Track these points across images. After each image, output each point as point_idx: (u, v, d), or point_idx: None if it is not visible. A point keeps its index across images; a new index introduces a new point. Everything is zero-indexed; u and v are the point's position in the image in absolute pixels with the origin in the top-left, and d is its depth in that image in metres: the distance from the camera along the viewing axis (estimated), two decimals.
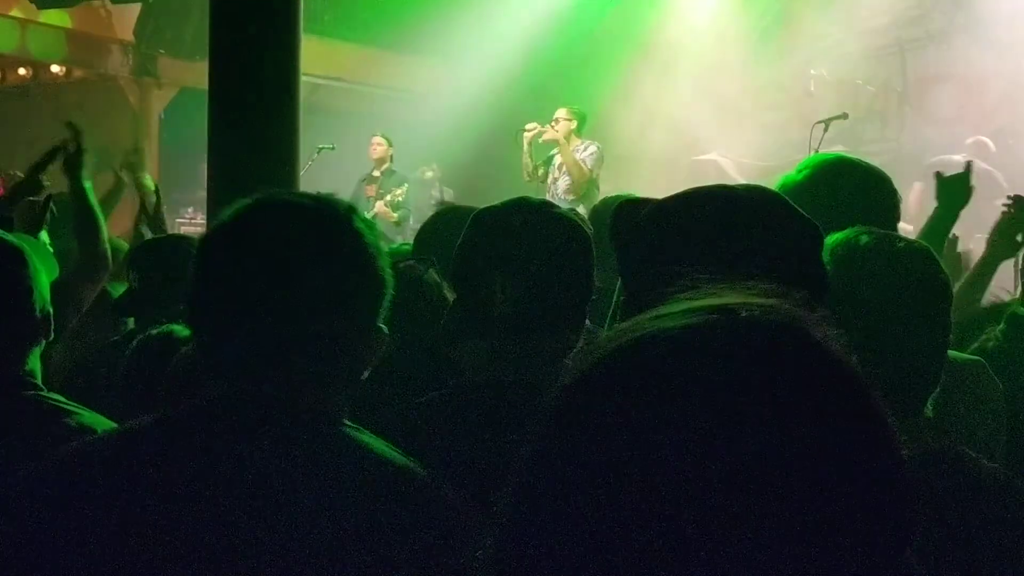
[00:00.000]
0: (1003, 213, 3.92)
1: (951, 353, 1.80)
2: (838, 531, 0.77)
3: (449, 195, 10.88)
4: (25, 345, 2.16)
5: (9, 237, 2.22)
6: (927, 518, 0.86)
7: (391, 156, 9.94)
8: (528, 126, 8.73)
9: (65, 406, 2.14)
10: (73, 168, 4.03)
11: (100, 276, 4.02)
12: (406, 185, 9.66)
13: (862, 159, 2.63)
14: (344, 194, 7.07)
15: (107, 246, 4.06)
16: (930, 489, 1.46)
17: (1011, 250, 3.87)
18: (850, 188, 2.43)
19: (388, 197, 9.48)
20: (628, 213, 1.56)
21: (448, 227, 2.81)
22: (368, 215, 7.38)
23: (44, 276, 2.22)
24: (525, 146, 8.72)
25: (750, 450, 0.76)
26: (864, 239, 1.72)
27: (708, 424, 0.76)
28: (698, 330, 0.82)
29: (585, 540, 0.78)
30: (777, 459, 0.76)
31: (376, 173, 9.87)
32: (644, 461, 0.76)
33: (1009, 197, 3.97)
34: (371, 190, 9.69)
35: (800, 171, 2.49)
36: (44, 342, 2.20)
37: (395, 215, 9.52)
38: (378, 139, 9.94)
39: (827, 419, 0.79)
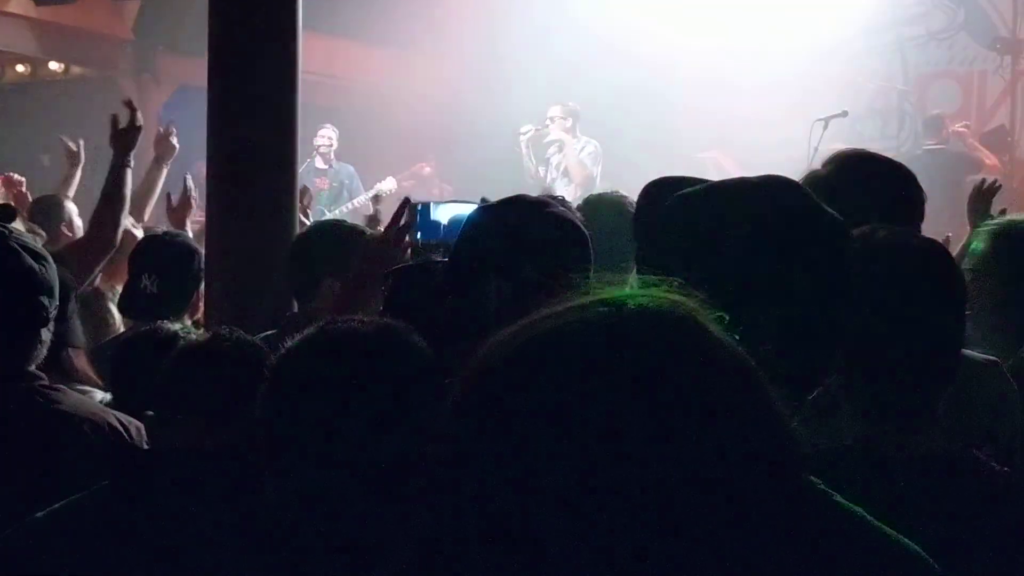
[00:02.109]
0: (973, 190, 4.01)
1: (966, 353, 1.79)
2: (711, 507, 0.77)
3: (448, 191, 10.87)
4: (31, 336, 2.17)
5: (22, 233, 2.23)
6: (933, 521, 0.84)
7: (335, 149, 9.63)
8: (524, 129, 8.66)
9: (60, 392, 2.19)
10: (125, 145, 4.11)
11: (99, 260, 3.99)
12: (357, 186, 9.42)
13: (883, 154, 2.63)
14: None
15: (119, 234, 4.09)
16: (936, 492, 1.44)
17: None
18: (876, 184, 2.41)
19: (364, 197, 9.28)
20: (654, 197, 1.55)
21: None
22: (332, 211, 7.25)
23: (53, 268, 2.23)
24: (524, 149, 8.64)
25: (636, 434, 0.77)
26: (880, 234, 1.71)
27: (598, 407, 0.78)
28: (587, 322, 0.84)
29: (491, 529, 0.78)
30: (662, 440, 0.77)
31: (323, 165, 9.50)
32: (534, 451, 0.78)
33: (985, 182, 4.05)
34: (323, 183, 9.43)
35: (825, 166, 2.49)
36: (50, 333, 2.21)
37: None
38: (329, 131, 9.57)
39: (708, 400, 0.80)
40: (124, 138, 4.17)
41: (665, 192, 1.56)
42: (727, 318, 0.87)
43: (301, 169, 5.00)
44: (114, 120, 4.26)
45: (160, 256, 3.69)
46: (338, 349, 1.63)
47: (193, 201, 5.05)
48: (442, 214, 2.70)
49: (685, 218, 1.42)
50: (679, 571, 0.76)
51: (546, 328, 0.85)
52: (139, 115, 4.21)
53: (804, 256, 1.33)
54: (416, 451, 0.88)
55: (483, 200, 2.62)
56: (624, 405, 0.78)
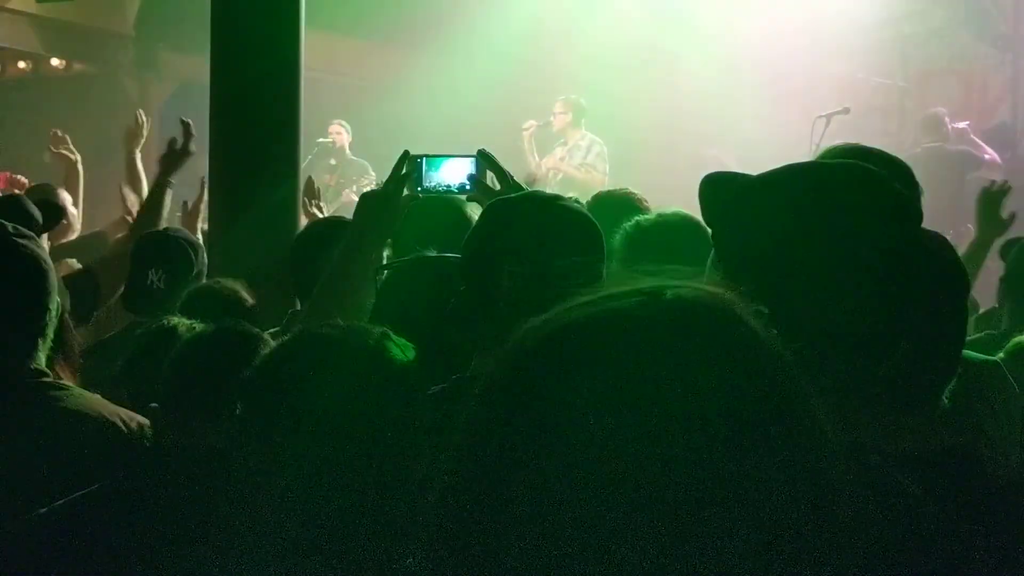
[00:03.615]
0: (981, 192, 3.96)
1: (968, 354, 1.78)
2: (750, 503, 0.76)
3: None
4: (37, 334, 2.18)
5: (25, 234, 2.23)
6: (935, 518, 0.84)
7: (349, 144, 9.68)
8: (526, 124, 8.57)
9: (65, 391, 2.20)
10: (171, 165, 4.19)
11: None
12: (373, 174, 9.43)
13: (883, 150, 2.62)
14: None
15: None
16: (939, 488, 1.44)
17: (1000, 228, 3.87)
18: None
19: (355, 187, 9.29)
20: (712, 193, 1.55)
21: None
22: (332, 205, 7.21)
23: (53, 272, 2.24)
24: (527, 145, 8.53)
25: (670, 425, 0.76)
26: None
27: (631, 398, 0.77)
28: (622, 310, 0.83)
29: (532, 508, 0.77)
30: (698, 431, 0.76)
31: (334, 161, 9.56)
32: (567, 438, 0.77)
33: (993, 182, 4.01)
34: (331, 179, 9.44)
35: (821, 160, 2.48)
36: (53, 334, 2.22)
37: None
38: (336, 127, 9.64)
39: (745, 391, 0.79)
40: (170, 159, 4.23)
41: (722, 185, 1.55)
42: (766, 312, 0.86)
43: (304, 165, 5.00)
44: (171, 142, 4.27)
45: (166, 251, 3.69)
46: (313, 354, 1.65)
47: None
48: (441, 166, 2.73)
49: (763, 208, 1.42)
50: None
51: (581, 315, 0.84)
52: (192, 140, 4.25)
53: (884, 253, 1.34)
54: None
55: (480, 151, 2.66)
56: (659, 394, 0.77)
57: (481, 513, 0.80)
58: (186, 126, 4.27)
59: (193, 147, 4.26)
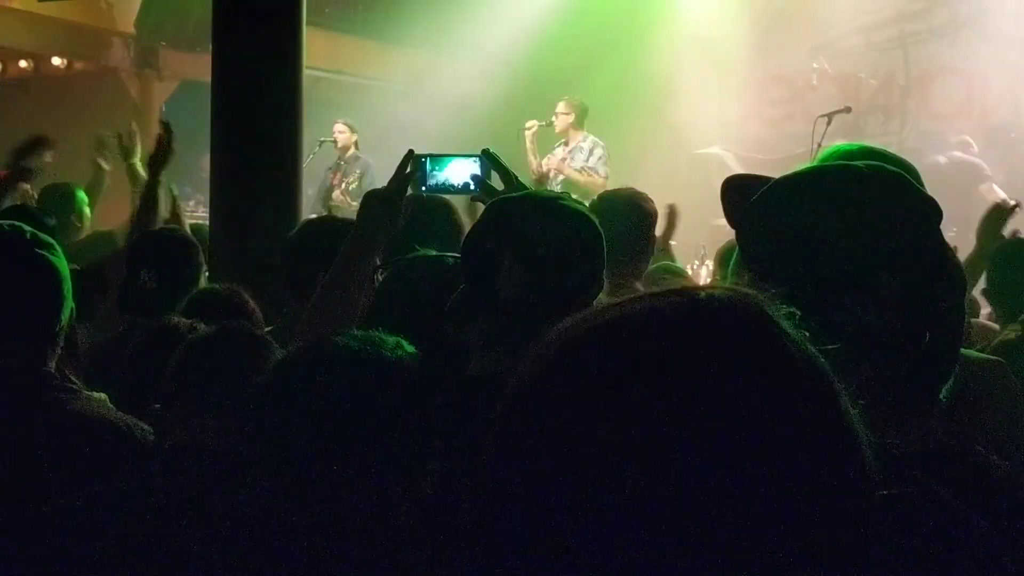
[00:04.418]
0: (991, 207, 3.97)
1: (970, 353, 1.78)
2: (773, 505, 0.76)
3: None
4: (48, 342, 2.19)
5: (43, 242, 2.23)
6: (936, 518, 0.84)
7: (355, 142, 9.70)
8: (528, 124, 8.54)
9: (75, 393, 2.20)
10: (157, 165, 4.25)
11: None
12: (359, 171, 9.44)
13: (887, 149, 2.62)
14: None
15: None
16: (938, 487, 1.44)
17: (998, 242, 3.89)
18: None
19: (343, 185, 9.31)
20: (738, 196, 1.55)
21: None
22: (338, 207, 7.21)
23: (69, 280, 2.24)
24: (528, 144, 8.49)
25: (701, 424, 0.76)
26: None
27: (671, 395, 0.77)
28: (659, 311, 0.83)
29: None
30: (731, 432, 0.76)
31: (340, 161, 9.58)
32: (600, 439, 0.77)
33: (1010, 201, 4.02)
34: (335, 178, 9.49)
35: (824, 160, 2.47)
36: (64, 334, 2.22)
37: (354, 204, 9.29)
38: (340, 126, 9.60)
39: (778, 391, 0.79)
40: (155, 160, 4.30)
41: (747, 186, 1.54)
42: (798, 314, 0.86)
43: (306, 164, 5.00)
44: (157, 140, 4.29)
45: (158, 251, 3.66)
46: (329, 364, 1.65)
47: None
48: (446, 166, 2.73)
49: (792, 210, 1.42)
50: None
51: (616, 315, 0.84)
52: (174, 138, 4.32)
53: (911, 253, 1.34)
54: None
55: (484, 151, 2.66)
56: (694, 395, 0.77)
57: (541, 516, 0.79)
58: (165, 125, 4.32)
59: (174, 143, 4.31)
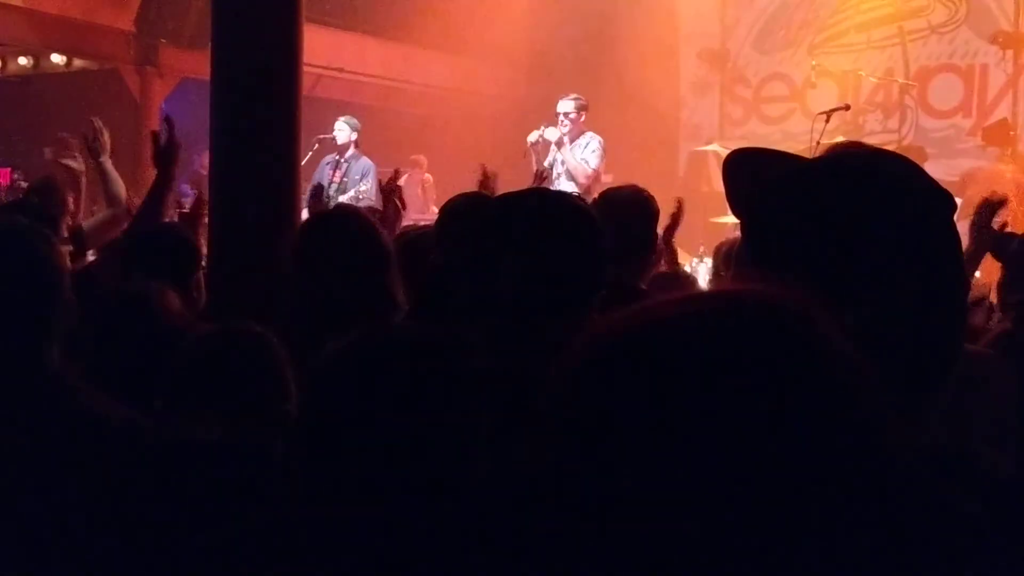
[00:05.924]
0: (982, 201, 3.99)
1: (971, 348, 1.77)
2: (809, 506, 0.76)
3: (430, 184, 11.30)
4: (51, 333, 2.19)
5: (41, 235, 2.24)
6: (932, 518, 0.84)
7: (355, 141, 9.72)
8: (530, 137, 8.51)
9: (77, 388, 2.19)
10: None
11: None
12: (360, 172, 9.46)
13: (881, 148, 2.62)
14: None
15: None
16: (933, 488, 1.45)
17: (990, 235, 3.90)
18: None
19: (352, 192, 9.33)
20: (740, 175, 1.44)
21: None
22: (334, 200, 7.27)
23: (67, 272, 2.24)
24: (534, 156, 8.45)
25: (741, 421, 0.76)
26: None
27: (716, 396, 0.77)
28: (703, 312, 0.83)
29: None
30: (769, 432, 0.76)
31: (340, 158, 9.62)
32: (644, 440, 0.77)
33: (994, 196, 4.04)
34: (336, 175, 9.55)
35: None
36: (62, 328, 2.23)
37: (341, 199, 9.27)
38: (340, 124, 9.66)
39: (817, 391, 0.79)
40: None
41: (757, 164, 1.40)
42: (840, 316, 0.86)
43: (304, 161, 5.01)
44: (155, 138, 4.28)
45: (153, 248, 3.62)
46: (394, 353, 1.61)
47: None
48: None
49: (813, 199, 1.30)
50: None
51: (660, 316, 0.84)
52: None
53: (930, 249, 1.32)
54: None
55: (481, 167, 2.68)
56: (740, 396, 0.78)
57: (604, 510, 0.80)
58: (167, 120, 4.36)
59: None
